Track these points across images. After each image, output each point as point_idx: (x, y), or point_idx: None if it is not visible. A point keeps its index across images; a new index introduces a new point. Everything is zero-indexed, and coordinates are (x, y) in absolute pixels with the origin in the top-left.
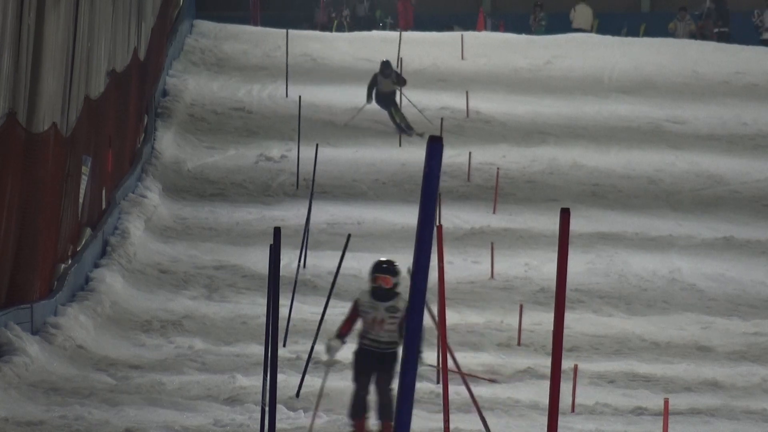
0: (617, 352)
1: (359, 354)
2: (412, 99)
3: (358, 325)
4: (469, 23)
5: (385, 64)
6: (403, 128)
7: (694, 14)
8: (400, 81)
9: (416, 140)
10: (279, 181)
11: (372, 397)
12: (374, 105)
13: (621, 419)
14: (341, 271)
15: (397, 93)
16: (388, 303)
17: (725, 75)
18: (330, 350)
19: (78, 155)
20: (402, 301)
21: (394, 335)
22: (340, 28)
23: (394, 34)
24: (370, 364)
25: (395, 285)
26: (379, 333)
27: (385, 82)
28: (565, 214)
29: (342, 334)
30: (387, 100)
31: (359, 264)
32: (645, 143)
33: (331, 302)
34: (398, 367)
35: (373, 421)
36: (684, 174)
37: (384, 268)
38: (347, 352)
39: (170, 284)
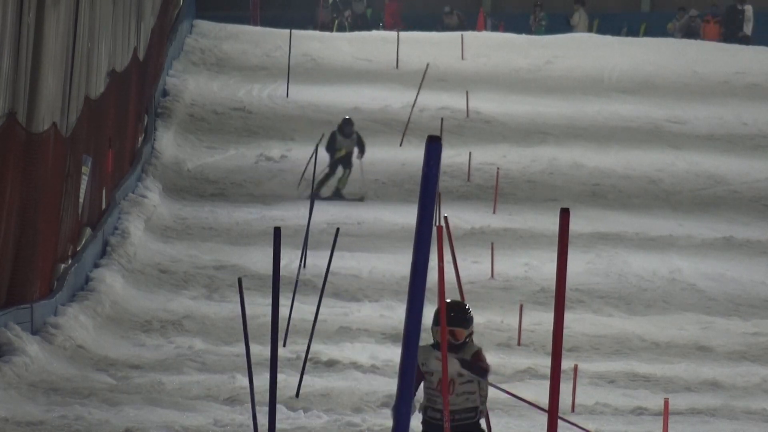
0: (617, 352)
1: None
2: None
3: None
4: (468, 22)
5: (346, 122)
6: (341, 194)
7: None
8: (361, 147)
9: (417, 140)
10: (279, 181)
11: None
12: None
13: (621, 419)
14: (340, 270)
15: (354, 153)
16: (458, 355)
17: (725, 75)
18: None
19: (78, 155)
20: (471, 349)
21: (472, 398)
22: (341, 28)
23: (393, 34)
24: None
25: (469, 335)
26: (449, 399)
27: (346, 143)
28: (565, 214)
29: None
30: (343, 161)
31: (359, 264)
32: (645, 143)
33: (331, 302)
34: None
35: None
36: (684, 174)
37: (457, 319)
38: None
39: (170, 284)
